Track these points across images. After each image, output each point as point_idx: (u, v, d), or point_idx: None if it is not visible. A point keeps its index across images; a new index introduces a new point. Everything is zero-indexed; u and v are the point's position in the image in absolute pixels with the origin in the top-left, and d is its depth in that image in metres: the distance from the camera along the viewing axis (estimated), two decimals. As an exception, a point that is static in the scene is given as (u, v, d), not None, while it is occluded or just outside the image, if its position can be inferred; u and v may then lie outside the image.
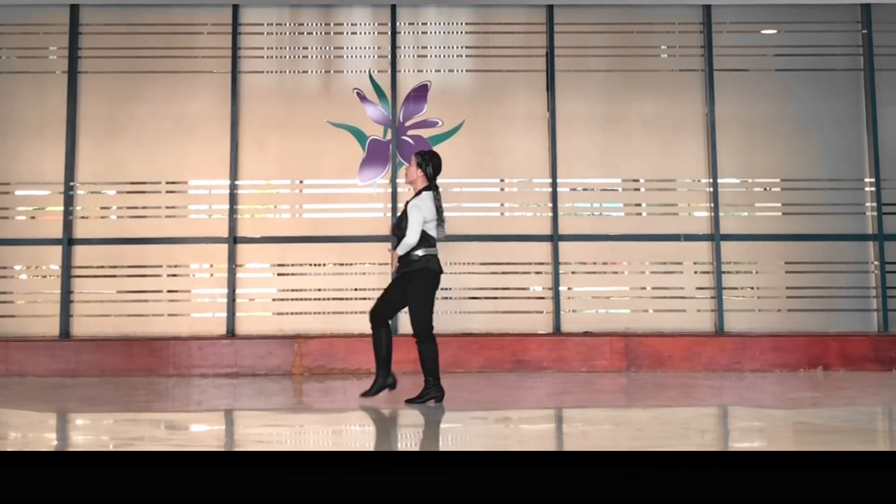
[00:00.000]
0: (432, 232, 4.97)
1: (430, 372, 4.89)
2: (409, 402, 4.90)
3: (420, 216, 4.91)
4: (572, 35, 7.42)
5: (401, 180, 7.26)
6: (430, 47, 7.46)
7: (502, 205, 7.35)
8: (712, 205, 7.25)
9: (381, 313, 5.02)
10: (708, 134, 7.35)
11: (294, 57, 7.44)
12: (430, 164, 5.06)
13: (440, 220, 5.01)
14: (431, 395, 4.90)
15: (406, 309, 5.07)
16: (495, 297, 7.15)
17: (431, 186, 5.05)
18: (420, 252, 4.94)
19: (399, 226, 5.01)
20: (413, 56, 7.44)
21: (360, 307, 7.15)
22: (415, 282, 4.95)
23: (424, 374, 4.92)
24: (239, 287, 7.17)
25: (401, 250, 4.95)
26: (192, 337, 6.84)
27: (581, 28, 7.44)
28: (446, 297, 7.15)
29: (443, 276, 7.08)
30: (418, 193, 5.04)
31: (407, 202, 5.07)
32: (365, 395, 5.03)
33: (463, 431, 4.24)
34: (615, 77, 7.44)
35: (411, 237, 4.89)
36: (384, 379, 5.00)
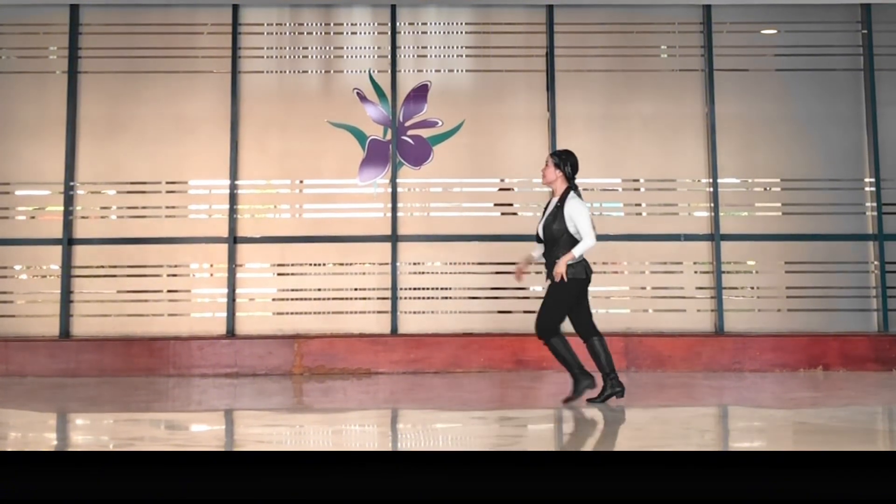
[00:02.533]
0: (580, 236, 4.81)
1: (603, 368, 4.75)
2: (591, 401, 4.77)
3: (589, 214, 4.77)
4: (572, 35, 7.42)
5: (401, 180, 7.27)
6: (430, 47, 7.46)
7: (502, 205, 7.35)
8: (712, 205, 7.25)
9: (548, 324, 4.80)
10: (708, 134, 7.35)
11: (294, 57, 7.44)
12: (568, 162, 4.91)
13: None
14: (611, 391, 4.75)
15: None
16: (495, 297, 7.15)
17: (573, 186, 4.90)
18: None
19: (551, 228, 4.80)
20: (413, 56, 7.44)
21: (360, 307, 7.16)
22: (562, 288, 4.75)
23: (601, 372, 4.76)
24: (239, 287, 7.17)
25: (579, 251, 4.70)
26: (192, 337, 6.84)
27: (581, 28, 7.44)
28: (446, 297, 7.16)
29: (442, 276, 7.19)
30: (567, 193, 4.84)
31: (558, 203, 4.85)
32: (567, 400, 4.79)
33: (463, 431, 4.24)
34: (615, 77, 7.44)
35: (591, 238, 4.70)
36: (583, 381, 4.75)
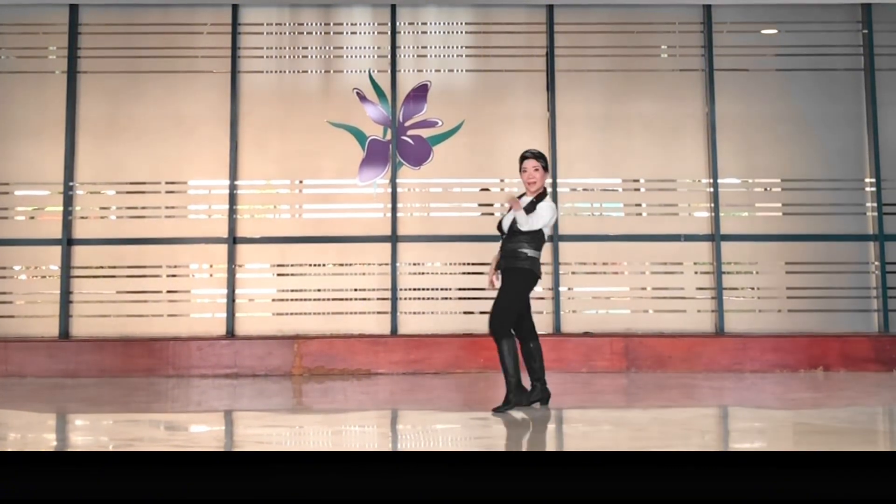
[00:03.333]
0: (546, 235, 4.84)
1: (508, 374, 4.60)
2: (496, 411, 4.59)
3: (552, 216, 4.78)
4: (572, 35, 7.42)
5: (400, 180, 7.26)
6: (430, 47, 7.45)
7: (502, 205, 7.34)
8: (712, 205, 7.24)
9: (505, 324, 4.71)
10: (708, 134, 7.34)
11: (294, 57, 7.44)
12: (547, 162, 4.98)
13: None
14: (513, 400, 4.61)
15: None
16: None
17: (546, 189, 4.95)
18: (529, 252, 4.74)
19: (515, 220, 4.77)
20: (413, 56, 7.44)
21: (360, 307, 7.16)
22: (513, 279, 4.74)
23: (505, 378, 4.63)
24: (239, 287, 7.17)
25: (522, 222, 4.66)
26: (191, 337, 6.84)
27: (581, 28, 7.44)
28: (446, 298, 7.16)
29: (442, 277, 7.19)
30: (543, 196, 4.84)
31: (534, 200, 4.81)
32: (496, 410, 4.64)
33: (463, 431, 4.23)
34: (615, 77, 7.44)
35: (536, 222, 4.69)
36: (517, 395, 4.64)
